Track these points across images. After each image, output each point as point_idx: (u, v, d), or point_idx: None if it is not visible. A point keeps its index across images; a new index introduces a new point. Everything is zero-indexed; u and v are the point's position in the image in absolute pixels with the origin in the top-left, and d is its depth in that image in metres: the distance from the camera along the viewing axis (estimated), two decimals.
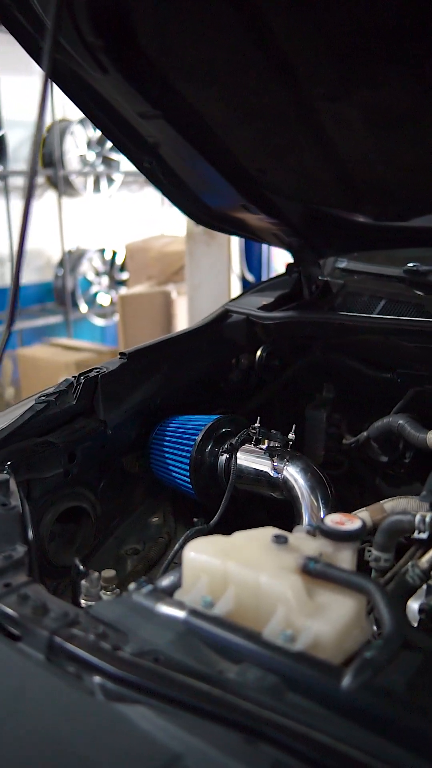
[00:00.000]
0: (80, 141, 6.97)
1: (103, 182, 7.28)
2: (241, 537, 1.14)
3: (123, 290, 7.48)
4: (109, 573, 1.37)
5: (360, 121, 1.48)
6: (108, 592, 1.34)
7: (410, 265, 2.13)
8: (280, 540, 1.09)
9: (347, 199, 1.80)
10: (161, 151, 1.81)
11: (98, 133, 7.07)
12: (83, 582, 1.25)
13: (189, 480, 1.72)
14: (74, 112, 6.91)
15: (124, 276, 7.51)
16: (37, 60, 1.58)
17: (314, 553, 1.08)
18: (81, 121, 6.88)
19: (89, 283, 7.45)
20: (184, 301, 5.17)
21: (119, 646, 0.95)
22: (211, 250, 4.46)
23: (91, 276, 7.43)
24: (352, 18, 1.23)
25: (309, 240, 2.07)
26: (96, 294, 7.53)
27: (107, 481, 1.79)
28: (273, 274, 5.23)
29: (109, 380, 1.75)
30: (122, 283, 7.59)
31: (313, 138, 1.59)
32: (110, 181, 7.36)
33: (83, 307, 7.30)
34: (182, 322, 5.17)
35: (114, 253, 7.55)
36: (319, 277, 2.22)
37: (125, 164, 7.41)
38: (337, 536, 1.10)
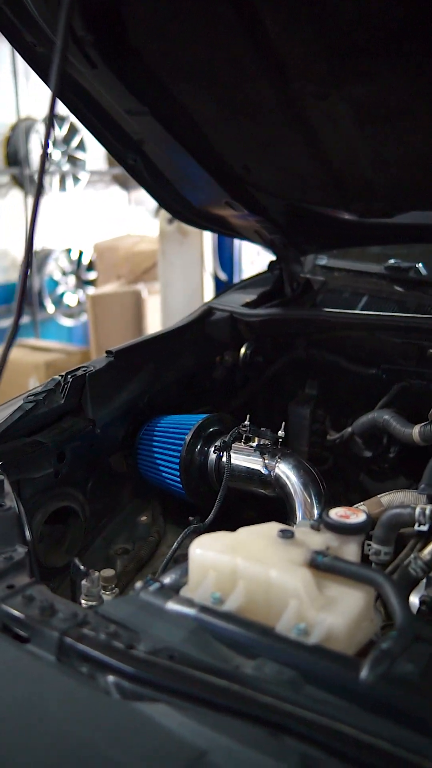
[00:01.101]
0: None
1: (69, 181, 7.20)
2: (246, 533, 1.13)
3: (90, 290, 7.41)
4: (108, 572, 1.36)
5: (348, 118, 1.49)
6: (107, 592, 1.32)
7: (392, 261, 2.16)
8: (286, 535, 1.09)
9: (333, 197, 1.82)
10: (146, 147, 1.80)
11: (64, 131, 7.00)
12: (84, 582, 1.24)
13: (179, 480, 1.72)
14: (39, 111, 6.82)
15: (91, 276, 7.44)
16: (24, 56, 1.57)
17: (320, 547, 1.08)
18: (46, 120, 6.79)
19: (56, 283, 7.36)
20: (154, 301, 5.15)
21: (132, 644, 0.93)
22: (184, 248, 4.45)
23: (57, 276, 7.34)
24: (346, 15, 1.24)
25: (292, 237, 2.08)
26: (63, 294, 7.44)
27: (95, 480, 1.77)
28: (243, 272, 5.25)
29: (96, 379, 1.73)
30: (89, 282, 7.51)
31: (300, 135, 1.60)
32: (76, 180, 7.28)
33: (50, 308, 7.21)
34: (153, 322, 5.14)
35: (81, 253, 7.47)
36: (301, 275, 2.23)
37: (91, 163, 7.35)
38: (343, 530, 1.10)
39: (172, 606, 1.02)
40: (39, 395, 1.64)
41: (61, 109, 6.53)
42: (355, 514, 1.12)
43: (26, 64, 1.59)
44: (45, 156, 0.88)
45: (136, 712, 0.83)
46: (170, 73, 1.49)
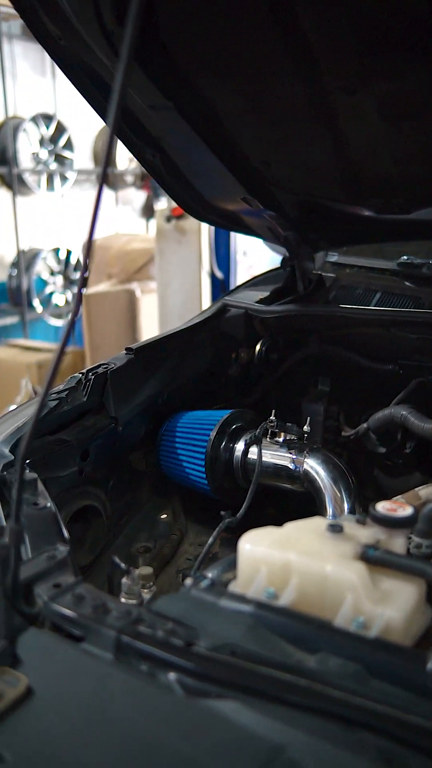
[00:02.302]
0: (33, 138, 6.84)
1: (57, 180, 7.16)
2: (292, 527, 1.13)
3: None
4: (146, 570, 1.34)
5: (375, 113, 1.48)
6: (145, 590, 1.31)
7: (404, 258, 2.16)
8: (335, 529, 1.09)
9: (351, 192, 1.81)
10: (165, 143, 1.79)
11: (51, 130, 6.95)
12: (124, 580, 1.22)
13: (204, 476, 1.71)
14: (27, 110, 6.77)
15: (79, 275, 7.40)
16: (47, 48, 1.55)
17: (369, 540, 1.08)
18: (33, 119, 6.75)
19: (44, 283, 7.31)
20: (148, 300, 5.13)
21: (192, 641, 0.92)
22: (182, 247, 4.43)
23: (45, 276, 7.29)
24: (382, 9, 1.23)
25: (306, 234, 2.07)
26: (51, 294, 7.39)
27: (116, 479, 1.76)
28: (238, 271, 5.25)
29: (118, 376, 1.72)
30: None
31: (324, 131, 1.59)
32: (63, 179, 7.24)
33: (38, 308, 7.15)
34: (147, 321, 5.13)
35: (69, 252, 7.42)
36: (313, 271, 2.23)
37: (78, 162, 7.31)
38: (391, 523, 1.10)
39: (226, 602, 1.01)
40: (62, 393, 1.63)
41: (49, 108, 6.49)
42: (401, 508, 1.12)
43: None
44: (107, 160, 0.87)
45: (207, 709, 0.82)
46: (197, 67, 1.48)
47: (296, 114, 1.57)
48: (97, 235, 6.82)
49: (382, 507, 1.12)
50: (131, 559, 1.76)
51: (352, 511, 1.52)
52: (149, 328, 5.08)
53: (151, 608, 1.01)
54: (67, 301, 7.49)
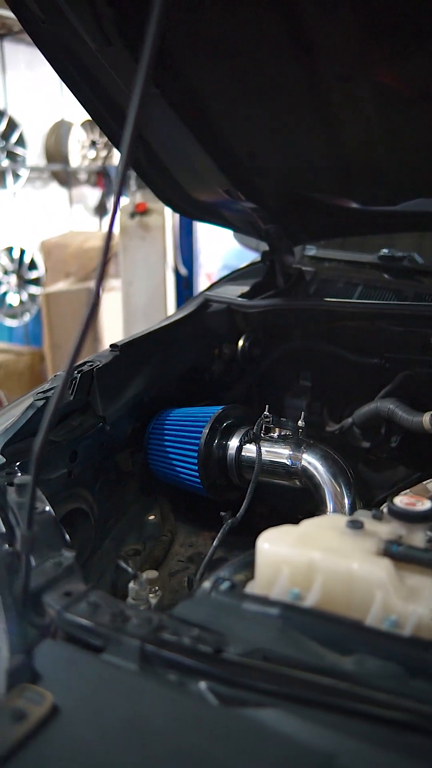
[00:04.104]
0: None
1: (9, 178, 6.98)
2: (311, 525, 1.09)
3: (32, 289, 7.21)
4: (152, 574, 1.29)
5: (370, 102, 1.46)
6: (151, 594, 1.26)
7: (384, 251, 2.15)
8: (356, 525, 1.05)
9: (339, 184, 1.79)
10: (147, 131, 1.73)
11: (2, 126, 6.78)
12: (131, 585, 1.17)
13: (197, 475, 1.66)
14: None
15: (34, 275, 7.25)
16: (27, 29, 1.48)
17: (390, 536, 1.05)
18: None
19: None
20: (109, 298, 5.04)
21: (221, 647, 0.88)
22: (146, 243, 4.36)
23: None
24: None
25: (288, 226, 2.04)
26: (5, 294, 7.20)
27: (103, 480, 1.70)
28: (200, 268, 5.20)
29: (104, 374, 1.65)
30: (32, 281, 7.31)
31: (316, 120, 1.56)
32: (16, 176, 7.06)
33: None
34: (109, 319, 5.04)
35: (22, 251, 7.25)
36: (293, 265, 2.21)
37: (30, 159, 7.16)
38: (411, 518, 1.07)
39: (250, 605, 0.97)
40: (47, 392, 1.56)
41: None
42: (420, 502, 1.09)
43: None
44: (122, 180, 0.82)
45: (249, 718, 0.78)
46: (190, 52, 1.42)
47: (289, 102, 1.53)
48: (52, 234, 6.68)
49: (401, 501, 1.09)
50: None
51: (352, 507, 1.50)
52: (111, 327, 5.00)
53: (172, 614, 0.96)
54: (21, 301, 7.31)
